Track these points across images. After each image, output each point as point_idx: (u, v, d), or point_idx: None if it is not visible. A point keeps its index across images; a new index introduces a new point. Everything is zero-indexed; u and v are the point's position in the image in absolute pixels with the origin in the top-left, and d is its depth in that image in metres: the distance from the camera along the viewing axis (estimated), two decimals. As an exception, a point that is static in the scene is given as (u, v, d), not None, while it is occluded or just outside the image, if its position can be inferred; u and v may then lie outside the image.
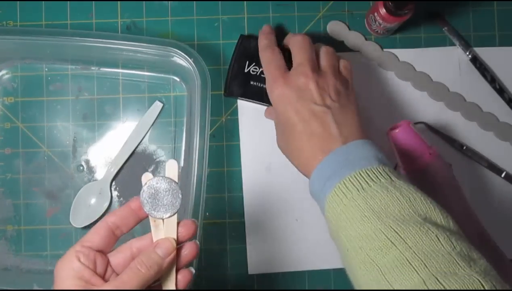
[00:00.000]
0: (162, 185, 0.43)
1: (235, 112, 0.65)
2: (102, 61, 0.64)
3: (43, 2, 0.65)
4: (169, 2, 0.65)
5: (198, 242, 0.45)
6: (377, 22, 0.61)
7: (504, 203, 0.65)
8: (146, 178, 0.43)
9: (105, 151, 0.64)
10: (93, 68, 0.64)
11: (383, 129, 0.63)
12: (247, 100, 0.64)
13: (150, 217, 0.43)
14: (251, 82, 0.62)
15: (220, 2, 0.66)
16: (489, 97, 0.65)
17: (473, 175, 0.65)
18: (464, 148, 0.65)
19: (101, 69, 0.64)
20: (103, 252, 0.44)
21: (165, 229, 0.43)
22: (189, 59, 0.58)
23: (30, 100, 0.64)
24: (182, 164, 0.63)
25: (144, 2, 0.65)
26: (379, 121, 0.65)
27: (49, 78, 0.64)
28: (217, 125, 0.65)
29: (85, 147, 0.64)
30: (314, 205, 0.64)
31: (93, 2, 0.65)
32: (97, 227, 0.44)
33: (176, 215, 0.43)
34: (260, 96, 0.63)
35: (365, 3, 0.65)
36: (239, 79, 0.62)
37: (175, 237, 0.43)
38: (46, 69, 0.64)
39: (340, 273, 0.64)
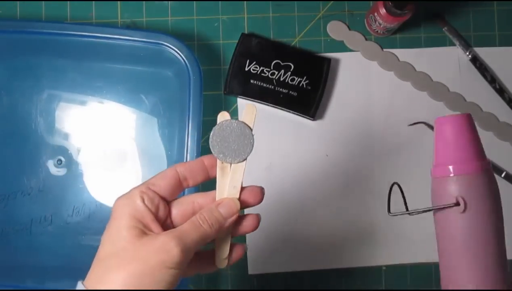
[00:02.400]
0: (235, 128, 0.41)
1: (235, 112, 0.65)
2: (95, 55, 0.64)
3: (43, 2, 0.65)
4: (169, 2, 0.65)
5: (260, 216, 0.43)
6: (377, 22, 0.61)
7: (504, 203, 0.65)
8: (222, 117, 0.41)
9: (98, 143, 0.64)
10: (86, 63, 0.64)
11: (383, 130, 0.63)
12: (247, 99, 0.64)
13: (218, 160, 0.41)
14: (251, 81, 0.62)
15: (220, 2, 0.66)
16: (489, 97, 0.65)
17: (473, 175, 0.65)
18: (464, 147, 0.64)
19: (93, 63, 0.64)
20: (165, 200, 0.41)
21: (231, 176, 0.41)
22: (180, 53, 0.58)
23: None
24: (175, 159, 0.63)
25: (144, 2, 0.65)
26: (379, 121, 0.65)
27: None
28: (217, 125, 0.65)
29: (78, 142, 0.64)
30: (314, 205, 0.64)
31: (93, 2, 0.65)
32: (165, 173, 0.41)
33: (244, 163, 0.41)
34: (260, 95, 0.63)
35: (365, 3, 0.65)
36: (239, 77, 0.63)
37: (240, 186, 0.41)
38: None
39: (340, 273, 0.64)
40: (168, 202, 0.42)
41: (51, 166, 0.64)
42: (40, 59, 0.64)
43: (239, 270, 0.64)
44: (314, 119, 0.64)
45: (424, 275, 0.65)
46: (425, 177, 0.65)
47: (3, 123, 0.64)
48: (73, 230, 0.63)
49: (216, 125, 0.41)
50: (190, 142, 0.57)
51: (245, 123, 0.41)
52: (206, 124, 0.64)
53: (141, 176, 0.63)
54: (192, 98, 0.58)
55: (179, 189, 0.42)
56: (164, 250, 0.37)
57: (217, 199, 0.41)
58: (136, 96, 0.64)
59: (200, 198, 0.42)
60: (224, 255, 0.42)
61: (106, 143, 0.64)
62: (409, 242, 0.64)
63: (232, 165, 0.41)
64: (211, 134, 0.41)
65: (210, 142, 0.41)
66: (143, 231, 0.38)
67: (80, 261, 0.61)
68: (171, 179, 0.41)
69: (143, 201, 0.39)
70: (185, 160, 0.57)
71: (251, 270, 0.63)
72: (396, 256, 0.64)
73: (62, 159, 0.64)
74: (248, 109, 0.41)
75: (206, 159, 0.42)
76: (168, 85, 0.64)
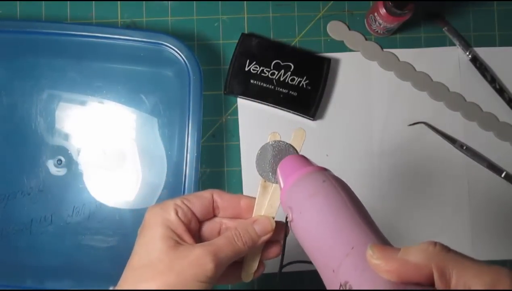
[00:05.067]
0: (282, 149, 0.41)
1: (235, 112, 0.65)
2: (94, 55, 0.64)
3: (43, 2, 0.65)
4: (169, 2, 0.65)
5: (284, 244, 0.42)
6: (377, 22, 0.61)
7: (504, 203, 0.65)
8: (273, 137, 0.42)
9: (98, 142, 0.64)
10: (86, 63, 0.64)
11: (383, 130, 0.63)
12: (247, 99, 0.64)
13: (261, 178, 0.42)
14: (252, 81, 0.62)
15: (220, 2, 0.66)
16: (489, 97, 0.65)
17: (473, 175, 0.65)
18: (464, 148, 0.64)
19: (92, 63, 0.64)
20: (197, 218, 0.42)
21: (271, 195, 0.42)
22: (180, 53, 0.58)
23: (29, 100, 0.64)
24: (175, 159, 0.63)
25: (144, 1, 0.65)
26: (379, 121, 0.65)
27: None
28: (217, 125, 0.65)
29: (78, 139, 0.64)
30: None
31: (93, 1, 0.65)
32: (202, 193, 0.42)
33: None
34: (260, 95, 0.63)
35: (365, 3, 0.65)
36: (239, 77, 0.63)
37: (278, 206, 0.41)
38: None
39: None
40: (199, 221, 0.42)
41: (51, 166, 0.64)
42: (40, 59, 0.64)
43: (239, 270, 0.64)
44: (314, 119, 0.64)
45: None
46: (425, 177, 0.65)
47: (3, 123, 0.64)
48: (73, 230, 0.63)
49: (265, 144, 0.42)
50: (190, 142, 0.57)
51: (292, 147, 0.41)
52: (206, 124, 0.64)
53: (141, 176, 0.63)
54: (192, 98, 0.58)
55: (210, 213, 0.43)
56: (199, 264, 0.38)
57: (253, 215, 0.42)
58: (136, 96, 0.64)
59: (228, 221, 0.43)
60: (252, 270, 0.43)
61: (106, 143, 0.64)
62: (409, 242, 0.64)
63: (274, 184, 0.42)
64: (258, 152, 0.41)
65: (256, 160, 0.41)
66: (177, 241, 0.39)
67: (80, 261, 0.63)
68: (205, 200, 0.42)
69: (176, 213, 0.40)
70: (185, 160, 0.57)
71: (251, 270, 0.63)
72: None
73: (62, 159, 0.64)
74: (298, 132, 0.42)
75: (243, 200, 0.43)
76: (168, 85, 0.64)
